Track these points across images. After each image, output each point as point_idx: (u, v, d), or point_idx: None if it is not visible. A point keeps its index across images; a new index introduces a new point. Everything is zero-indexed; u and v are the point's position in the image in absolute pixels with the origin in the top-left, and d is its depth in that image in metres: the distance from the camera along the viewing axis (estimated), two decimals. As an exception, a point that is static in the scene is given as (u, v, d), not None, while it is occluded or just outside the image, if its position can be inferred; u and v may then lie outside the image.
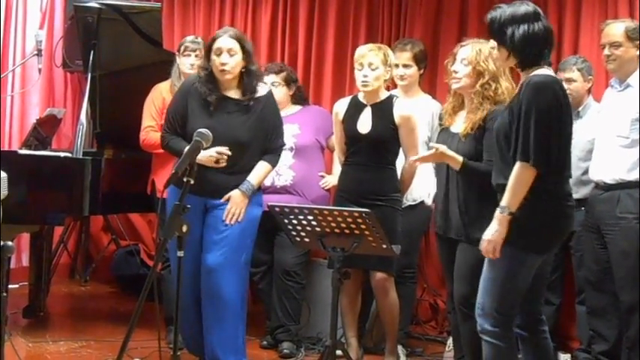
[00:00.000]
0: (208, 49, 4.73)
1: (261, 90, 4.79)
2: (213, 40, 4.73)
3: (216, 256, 4.67)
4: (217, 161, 4.59)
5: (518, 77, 4.32)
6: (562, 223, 3.93)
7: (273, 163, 4.83)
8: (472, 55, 4.49)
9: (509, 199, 3.77)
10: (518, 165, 3.76)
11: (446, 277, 4.77)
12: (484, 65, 4.46)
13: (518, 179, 3.76)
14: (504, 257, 3.83)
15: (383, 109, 5.02)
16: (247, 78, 4.72)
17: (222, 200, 4.69)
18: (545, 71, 3.86)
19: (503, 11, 3.91)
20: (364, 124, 5.02)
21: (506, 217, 3.77)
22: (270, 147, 4.78)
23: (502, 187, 3.88)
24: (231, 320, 4.72)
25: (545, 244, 3.92)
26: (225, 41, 4.68)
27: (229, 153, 4.59)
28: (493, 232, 3.80)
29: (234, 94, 4.75)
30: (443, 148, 4.37)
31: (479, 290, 3.98)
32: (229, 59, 4.66)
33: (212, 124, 4.49)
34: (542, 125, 3.73)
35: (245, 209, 4.69)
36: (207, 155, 4.55)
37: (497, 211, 3.79)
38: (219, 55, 4.67)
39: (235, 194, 4.68)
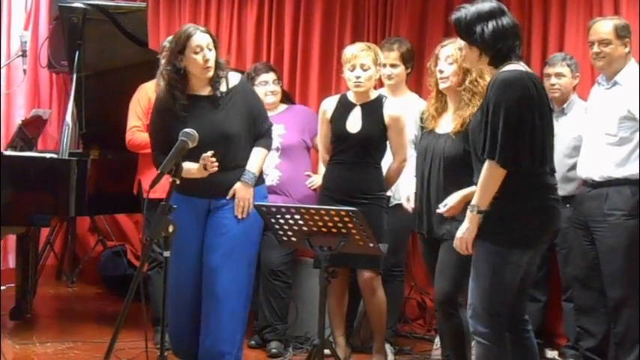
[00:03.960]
0: (182, 48, 4.58)
1: (234, 79, 4.73)
2: (188, 37, 4.58)
3: (219, 255, 4.63)
4: (205, 167, 4.53)
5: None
6: (545, 217, 3.88)
7: (268, 147, 4.80)
8: (456, 53, 4.49)
9: (479, 197, 3.77)
10: (486, 164, 3.74)
11: (431, 276, 4.75)
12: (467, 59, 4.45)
13: (486, 178, 3.75)
14: (487, 255, 3.82)
15: (373, 109, 5.02)
16: (218, 71, 4.64)
17: (228, 196, 4.65)
18: (515, 66, 3.81)
19: (468, 10, 3.88)
20: (354, 123, 5.02)
21: (476, 215, 3.77)
22: (259, 132, 4.74)
23: None
24: (234, 319, 4.68)
25: (528, 239, 3.88)
26: (203, 37, 4.60)
27: (210, 154, 4.49)
28: (464, 231, 3.83)
29: (205, 90, 4.67)
30: (454, 200, 4.26)
31: (469, 292, 3.96)
32: (211, 54, 4.60)
33: (196, 126, 4.36)
34: (511, 122, 3.69)
35: (252, 198, 4.64)
36: (195, 167, 4.50)
37: (468, 210, 3.80)
38: (199, 52, 4.57)
39: (239, 187, 4.64)
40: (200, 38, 4.59)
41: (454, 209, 4.26)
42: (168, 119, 4.63)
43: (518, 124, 3.71)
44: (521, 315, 4.07)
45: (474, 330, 3.93)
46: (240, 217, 4.64)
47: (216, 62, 4.64)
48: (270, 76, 5.66)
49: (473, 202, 3.79)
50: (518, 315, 4.05)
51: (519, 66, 3.83)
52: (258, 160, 4.73)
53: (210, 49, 4.60)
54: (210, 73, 4.63)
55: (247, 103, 4.72)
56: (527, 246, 3.90)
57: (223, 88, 4.68)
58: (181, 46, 4.59)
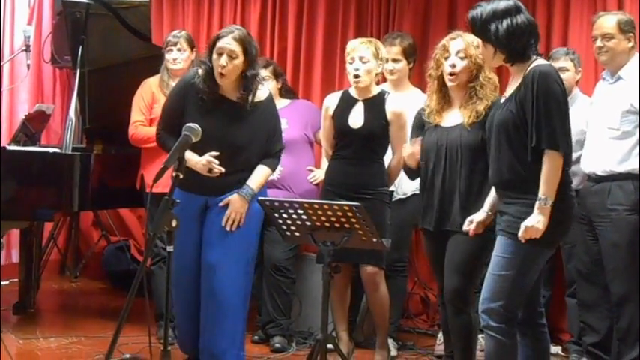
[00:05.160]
0: (211, 46, 4.57)
1: (262, 94, 4.69)
2: (217, 38, 4.56)
3: (218, 253, 4.61)
4: (210, 170, 4.51)
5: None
6: (571, 215, 3.96)
7: (273, 167, 4.76)
8: (469, 49, 4.46)
9: (547, 189, 3.75)
10: (548, 155, 3.76)
11: (436, 272, 4.71)
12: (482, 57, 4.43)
13: (552, 168, 3.76)
14: (517, 254, 3.81)
15: (375, 105, 5.02)
16: (245, 82, 4.58)
17: (221, 205, 4.61)
18: (544, 61, 3.90)
19: (484, 8, 3.90)
20: (356, 119, 5.02)
21: (548, 208, 3.75)
22: (270, 151, 4.70)
23: (511, 183, 3.87)
24: (232, 316, 4.66)
25: (557, 237, 3.93)
26: (228, 43, 4.52)
27: (217, 162, 4.50)
28: (537, 222, 3.75)
29: (233, 94, 4.62)
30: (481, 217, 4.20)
31: (484, 286, 3.95)
32: (228, 62, 4.52)
33: (208, 126, 4.36)
34: (562, 112, 3.79)
35: (245, 214, 4.62)
36: (200, 164, 4.50)
37: (538, 204, 3.74)
38: (219, 55, 4.53)
39: (234, 199, 4.60)
40: (225, 43, 4.52)
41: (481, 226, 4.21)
42: (191, 106, 4.60)
43: (566, 115, 3.82)
44: (538, 306, 4.10)
45: (485, 324, 3.93)
46: (227, 229, 4.60)
47: (246, 74, 4.57)
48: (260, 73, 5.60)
49: (542, 195, 3.74)
50: (535, 308, 4.08)
51: (545, 61, 3.91)
52: (260, 178, 4.68)
53: (232, 58, 4.52)
54: (224, 80, 4.57)
55: (266, 121, 4.68)
56: (555, 245, 3.98)
57: (249, 99, 4.65)
58: (211, 44, 4.59)
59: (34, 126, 6.43)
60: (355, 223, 4.16)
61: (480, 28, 3.91)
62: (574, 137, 5.08)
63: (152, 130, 5.00)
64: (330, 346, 4.37)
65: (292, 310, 5.63)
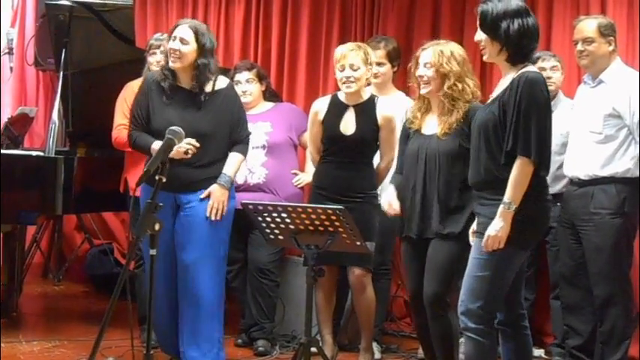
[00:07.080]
0: (169, 36, 4.76)
1: (221, 82, 4.81)
2: (175, 27, 4.76)
3: (193, 253, 4.68)
4: (186, 152, 4.57)
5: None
6: (546, 218, 3.98)
7: (244, 153, 4.87)
8: (434, 59, 4.50)
9: (513, 194, 3.77)
10: (519, 161, 3.77)
11: (411, 279, 4.69)
12: (447, 67, 4.47)
13: (520, 174, 3.77)
14: (493, 255, 3.83)
15: (366, 111, 5.02)
16: (197, 71, 4.70)
17: (202, 196, 4.69)
18: (533, 68, 3.90)
19: (495, 5, 3.88)
20: (348, 125, 5.02)
21: (511, 212, 3.77)
22: (238, 138, 4.81)
23: (487, 184, 3.89)
24: (210, 315, 4.73)
25: (531, 239, 3.95)
26: (181, 29, 4.70)
27: (197, 144, 4.58)
28: (498, 228, 3.78)
29: (189, 85, 4.75)
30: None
31: (462, 288, 3.97)
32: (180, 46, 4.66)
33: (173, 118, 4.52)
34: (542, 121, 3.79)
35: (227, 202, 4.71)
36: (176, 147, 4.53)
37: (502, 207, 3.77)
38: (173, 41, 4.69)
39: (215, 189, 4.70)
40: (178, 29, 4.71)
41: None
42: (154, 102, 4.73)
43: (546, 124, 3.81)
44: (520, 309, 4.12)
45: (465, 326, 3.95)
46: (213, 218, 4.69)
47: (197, 63, 4.68)
48: (244, 76, 5.61)
49: (506, 199, 3.77)
50: (517, 310, 4.09)
51: (535, 69, 3.91)
52: (234, 164, 4.79)
53: (183, 43, 4.66)
54: (176, 64, 4.68)
55: (229, 109, 4.79)
56: (530, 247, 3.99)
57: (209, 88, 4.75)
58: (170, 33, 4.76)
59: (17, 129, 6.40)
60: (339, 227, 4.16)
61: (490, 24, 3.89)
62: (560, 140, 5.16)
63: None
64: (313, 349, 4.37)
65: (276, 314, 5.62)
